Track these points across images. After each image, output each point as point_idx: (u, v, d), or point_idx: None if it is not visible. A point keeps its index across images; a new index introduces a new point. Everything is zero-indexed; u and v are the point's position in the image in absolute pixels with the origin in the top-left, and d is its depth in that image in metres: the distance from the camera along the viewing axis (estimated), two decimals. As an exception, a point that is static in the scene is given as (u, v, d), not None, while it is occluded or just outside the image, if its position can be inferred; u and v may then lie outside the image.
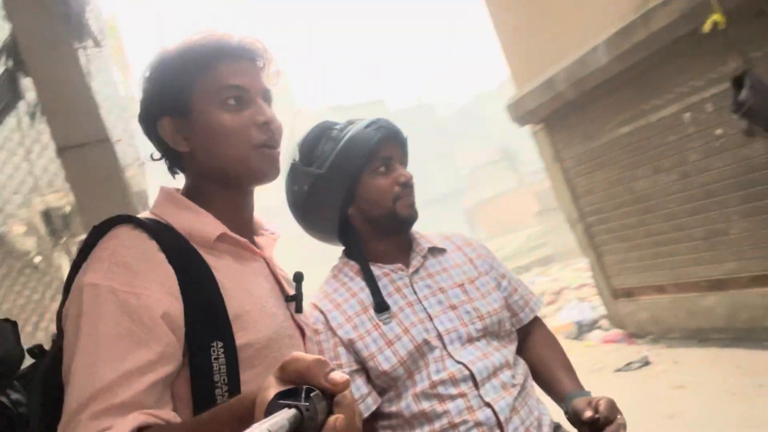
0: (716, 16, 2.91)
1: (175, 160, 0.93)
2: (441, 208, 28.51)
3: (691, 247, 4.96)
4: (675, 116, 4.68)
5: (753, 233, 4.41)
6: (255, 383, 0.77)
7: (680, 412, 3.44)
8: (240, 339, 0.79)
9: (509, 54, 6.16)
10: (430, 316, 1.17)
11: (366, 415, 1.11)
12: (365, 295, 1.18)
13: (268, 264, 0.94)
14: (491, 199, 25.39)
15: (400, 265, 1.23)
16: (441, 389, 1.11)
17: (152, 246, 0.78)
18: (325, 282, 1.25)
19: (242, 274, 0.87)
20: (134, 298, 0.73)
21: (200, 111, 0.87)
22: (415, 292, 1.20)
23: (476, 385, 1.11)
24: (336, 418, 0.48)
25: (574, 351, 5.38)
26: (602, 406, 1.02)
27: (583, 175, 5.77)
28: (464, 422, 1.08)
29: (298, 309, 0.94)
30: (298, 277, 0.97)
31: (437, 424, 1.09)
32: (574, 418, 1.08)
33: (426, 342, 1.13)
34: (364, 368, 1.13)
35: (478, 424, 1.08)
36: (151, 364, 0.71)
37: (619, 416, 1.03)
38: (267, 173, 0.89)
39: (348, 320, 1.16)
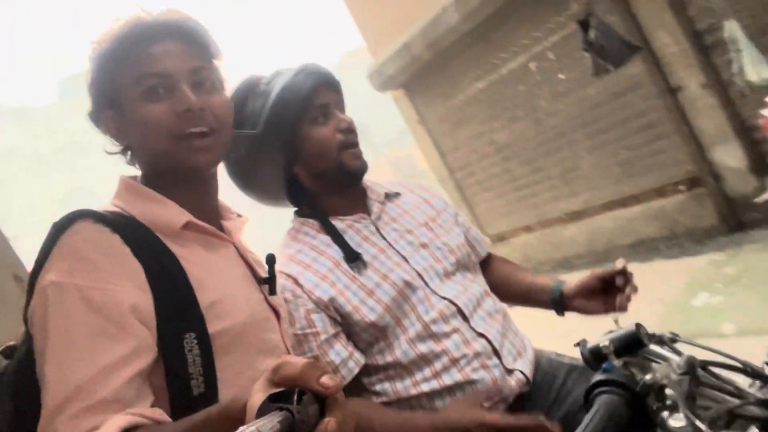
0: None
1: (126, 153, 0.91)
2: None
3: (550, 186, 5.47)
4: (522, 67, 5.07)
5: (599, 165, 4.96)
6: (232, 369, 0.78)
7: (570, 330, 3.79)
8: (215, 327, 0.78)
9: (361, 22, 6.20)
10: (405, 258, 1.15)
11: (349, 378, 1.07)
12: (334, 250, 1.12)
13: (237, 249, 0.93)
14: (350, 175, 25.63)
15: (361, 214, 1.19)
16: (435, 328, 1.10)
17: (115, 240, 0.76)
18: (285, 246, 1.17)
19: (212, 261, 0.85)
20: (100, 294, 0.71)
21: (127, 104, 0.84)
22: (384, 238, 1.17)
23: (465, 318, 1.12)
24: (328, 421, 0.48)
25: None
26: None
27: (447, 134, 6.06)
28: (464, 356, 1.09)
29: (272, 291, 0.93)
30: (271, 260, 0.94)
31: (438, 364, 1.09)
32: (580, 290, 1.13)
33: (407, 283, 1.11)
34: (341, 331, 1.08)
35: (477, 354, 1.10)
36: (126, 359, 0.69)
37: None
38: (197, 164, 0.85)
39: (323, 278, 1.09)
